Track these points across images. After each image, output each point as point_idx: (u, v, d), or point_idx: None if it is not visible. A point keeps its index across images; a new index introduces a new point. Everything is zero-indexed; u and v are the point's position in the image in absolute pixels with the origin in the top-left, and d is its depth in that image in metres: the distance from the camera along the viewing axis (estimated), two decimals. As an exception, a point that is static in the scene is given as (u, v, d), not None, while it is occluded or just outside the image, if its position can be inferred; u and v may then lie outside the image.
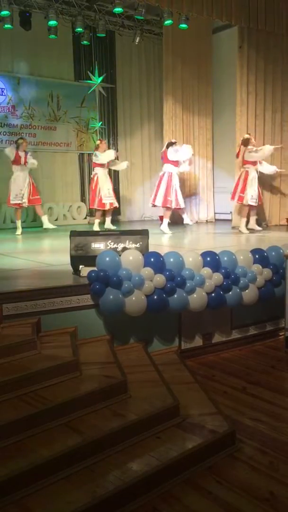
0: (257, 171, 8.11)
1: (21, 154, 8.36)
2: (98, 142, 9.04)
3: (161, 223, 8.24)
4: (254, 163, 8.08)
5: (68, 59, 10.37)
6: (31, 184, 8.44)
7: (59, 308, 4.02)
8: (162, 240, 7.21)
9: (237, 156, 8.30)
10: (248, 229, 8.08)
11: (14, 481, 2.37)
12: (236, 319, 5.00)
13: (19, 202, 8.30)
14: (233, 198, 8.23)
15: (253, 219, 8.26)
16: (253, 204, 8.01)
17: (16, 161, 8.31)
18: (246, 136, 8.27)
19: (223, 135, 10.35)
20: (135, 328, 4.37)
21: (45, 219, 8.74)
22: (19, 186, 8.28)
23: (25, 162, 8.35)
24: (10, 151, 8.36)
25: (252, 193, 7.96)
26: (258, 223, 8.43)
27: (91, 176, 8.98)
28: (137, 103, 11.28)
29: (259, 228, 8.23)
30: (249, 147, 8.06)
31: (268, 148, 8.18)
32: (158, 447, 2.80)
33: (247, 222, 8.17)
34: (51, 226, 8.72)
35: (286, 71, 8.94)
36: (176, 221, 8.88)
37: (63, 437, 2.72)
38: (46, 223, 8.70)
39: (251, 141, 8.15)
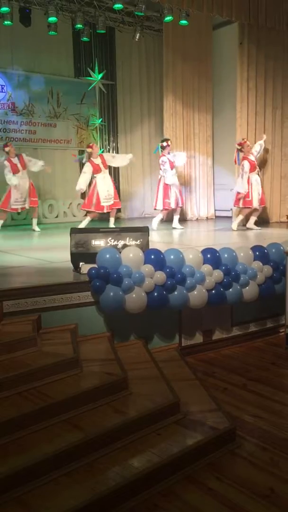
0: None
1: (15, 161, 8.13)
2: (89, 150, 8.27)
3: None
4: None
5: (68, 55, 10.34)
6: (31, 187, 8.32)
7: (59, 305, 4.02)
8: (162, 237, 7.21)
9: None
10: (247, 228, 8.10)
11: (15, 477, 2.38)
12: (236, 316, 5.00)
13: (21, 206, 8.23)
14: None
15: (252, 219, 8.22)
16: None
17: (14, 170, 8.06)
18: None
19: (223, 132, 10.33)
20: (136, 325, 4.37)
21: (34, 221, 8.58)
22: (20, 191, 8.13)
23: (23, 166, 8.16)
24: (7, 169, 8.07)
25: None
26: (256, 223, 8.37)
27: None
28: (137, 100, 11.25)
29: (258, 228, 8.14)
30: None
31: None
32: (159, 444, 2.81)
33: (246, 221, 8.19)
34: (37, 228, 8.49)
35: (287, 67, 8.92)
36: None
37: (64, 434, 2.73)
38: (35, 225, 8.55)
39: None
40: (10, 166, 8.03)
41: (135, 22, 10.45)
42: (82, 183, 8.15)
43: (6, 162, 8.07)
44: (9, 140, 9.30)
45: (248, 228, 8.10)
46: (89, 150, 8.23)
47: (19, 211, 8.42)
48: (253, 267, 4.81)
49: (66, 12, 9.67)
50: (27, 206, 8.31)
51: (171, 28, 9.58)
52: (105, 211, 8.16)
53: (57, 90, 10.27)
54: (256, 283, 4.79)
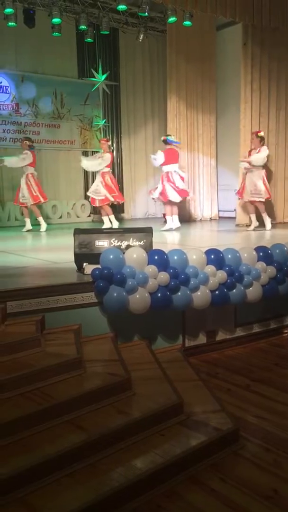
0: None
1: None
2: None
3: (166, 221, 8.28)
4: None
5: (72, 56, 10.38)
6: (31, 184, 8.44)
7: (63, 306, 4.02)
8: (166, 238, 7.21)
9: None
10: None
11: (18, 478, 2.38)
12: (240, 316, 4.99)
13: (23, 201, 8.46)
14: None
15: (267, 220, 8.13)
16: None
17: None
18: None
19: (227, 133, 10.33)
20: (139, 326, 4.37)
21: (41, 220, 8.63)
22: (21, 187, 8.46)
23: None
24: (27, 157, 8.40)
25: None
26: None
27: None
28: (140, 101, 11.28)
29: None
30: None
31: None
32: (162, 445, 2.80)
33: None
34: (44, 228, 8.58)
35: (291, 68, 8.91)
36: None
37: (67, 435, 2.73)
38: (43, 225, 8.61)
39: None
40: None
41: (138, 23, 10.47)
42: (89, 165, 8.60)
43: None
44: (13, 141, 9.35)
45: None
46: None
47: (27, 205, 8.56)
48: (257, 268, 4.79)
49: (70, 13, 9.71)
50: (28, 203, 8.43)
51: (175, 29, 9.59)
52: (96, 204, 8.35)
53: (61, 91, 10.31)
54: (259, 284, 4.77)
